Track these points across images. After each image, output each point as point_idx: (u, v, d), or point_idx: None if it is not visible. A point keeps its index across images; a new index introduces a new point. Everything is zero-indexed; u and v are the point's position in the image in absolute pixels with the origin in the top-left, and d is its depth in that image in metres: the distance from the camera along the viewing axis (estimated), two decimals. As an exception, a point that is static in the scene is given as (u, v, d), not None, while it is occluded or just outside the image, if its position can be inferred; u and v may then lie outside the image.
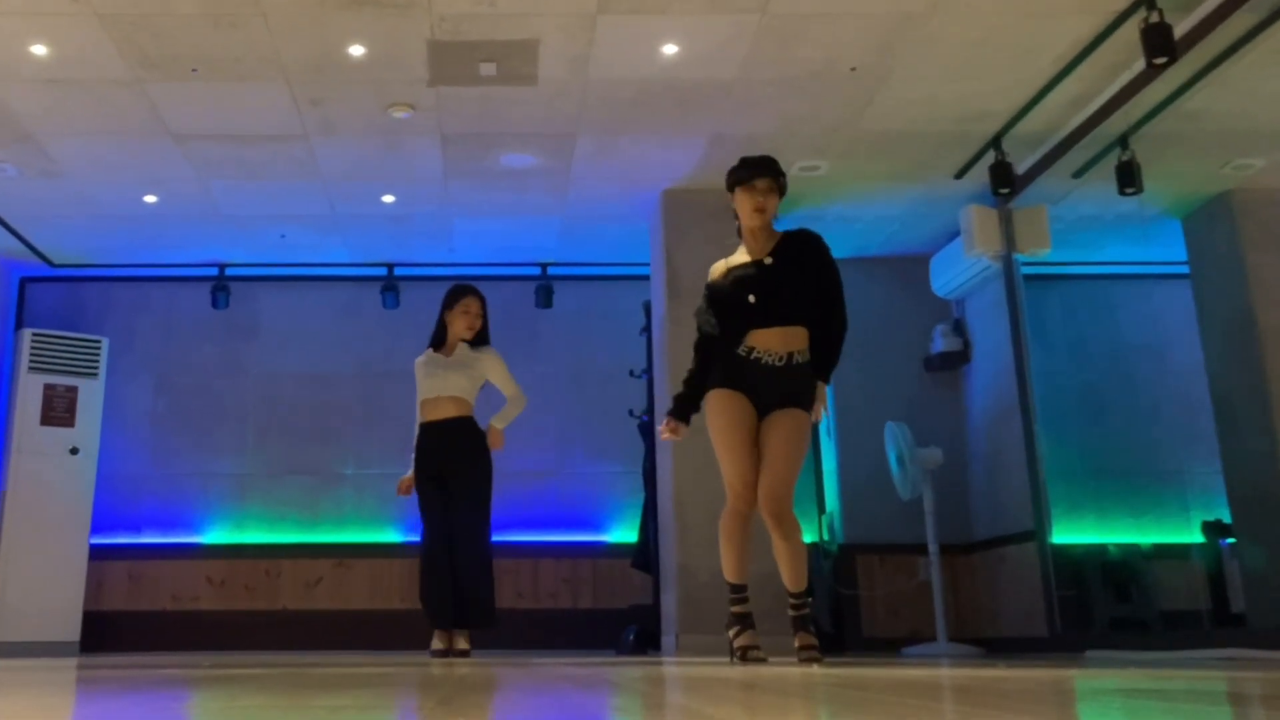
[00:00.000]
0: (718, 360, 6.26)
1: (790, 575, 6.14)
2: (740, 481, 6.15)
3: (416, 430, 8.20)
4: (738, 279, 6.26)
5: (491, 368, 8.18)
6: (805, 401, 6.20)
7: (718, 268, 6.42)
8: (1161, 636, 8.48)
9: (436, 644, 7.92)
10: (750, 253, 6.34)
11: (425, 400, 8.12)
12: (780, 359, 6.12)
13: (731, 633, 6.35)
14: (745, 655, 6.18)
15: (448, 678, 4.30)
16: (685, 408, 6.42)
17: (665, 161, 9.40)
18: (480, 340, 8.27)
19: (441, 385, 8.06)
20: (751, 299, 6.16)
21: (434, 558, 7.96)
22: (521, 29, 7.45)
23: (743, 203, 6.30)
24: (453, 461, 8.02)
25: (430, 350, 8.26)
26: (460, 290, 8.33)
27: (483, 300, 8.29)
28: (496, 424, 8.16)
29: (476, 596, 7.90)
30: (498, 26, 7.41)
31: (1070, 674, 4.46)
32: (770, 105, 8.51)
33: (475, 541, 7.94)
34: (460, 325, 8.18)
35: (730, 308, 6.23)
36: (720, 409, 6.19)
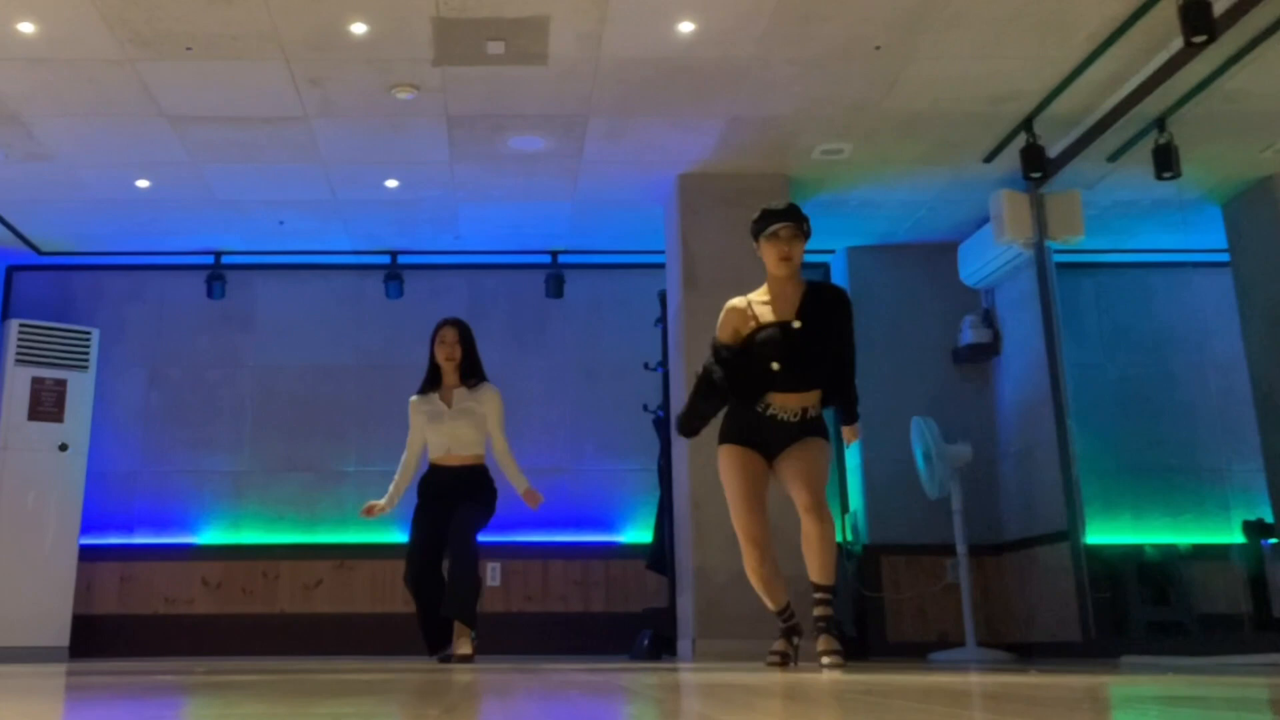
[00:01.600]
0: (730, 413, 6.46)
1: (819, 564, 6.21)
2: (747, 538, 6.38)
3: (402, 477, 8.35)
4: (763, 342, 6.34)
5: (490, 411, 8.21)
6: (820, 432, 6.40)
7: (734, 314, 6.51)
8: (1200, 641, 8.44)
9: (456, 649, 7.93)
10: (775, 309, 6.44)
11: (435, 456, 8.20)
12: (795, 415, 6.34)
13: None
14: (771, 655, 6.46)
15: (453, 684, 4.28)
16: (691, 429, 6.61)
17: (681, 144, 9.24)
18: (473, 371, 8.30)
19: (452, 441, 8.14)
20: (776, 366, 6.29)
21: (422, 585, 8.08)
22: (531, 5, 7.30)
23: (768, 253, 6.44)
24: (460, 496, 8.08)
25: (425, 394, 8.31)
26: (440, 323, 8.41)
27: (461, 328, 8.34)
28: (522, 486, 8.25)
29: (457, 592, 7.89)
30: (506, 3, 7.26)
31: (1105, 680, 4.48)
32: (791, 85, 8.35)
33: (464, 537, 7.94)
34: (440, 356, 8.25)
35: (750, 371, 6.36)
36: (730, 464, 6.41)
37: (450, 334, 8.22)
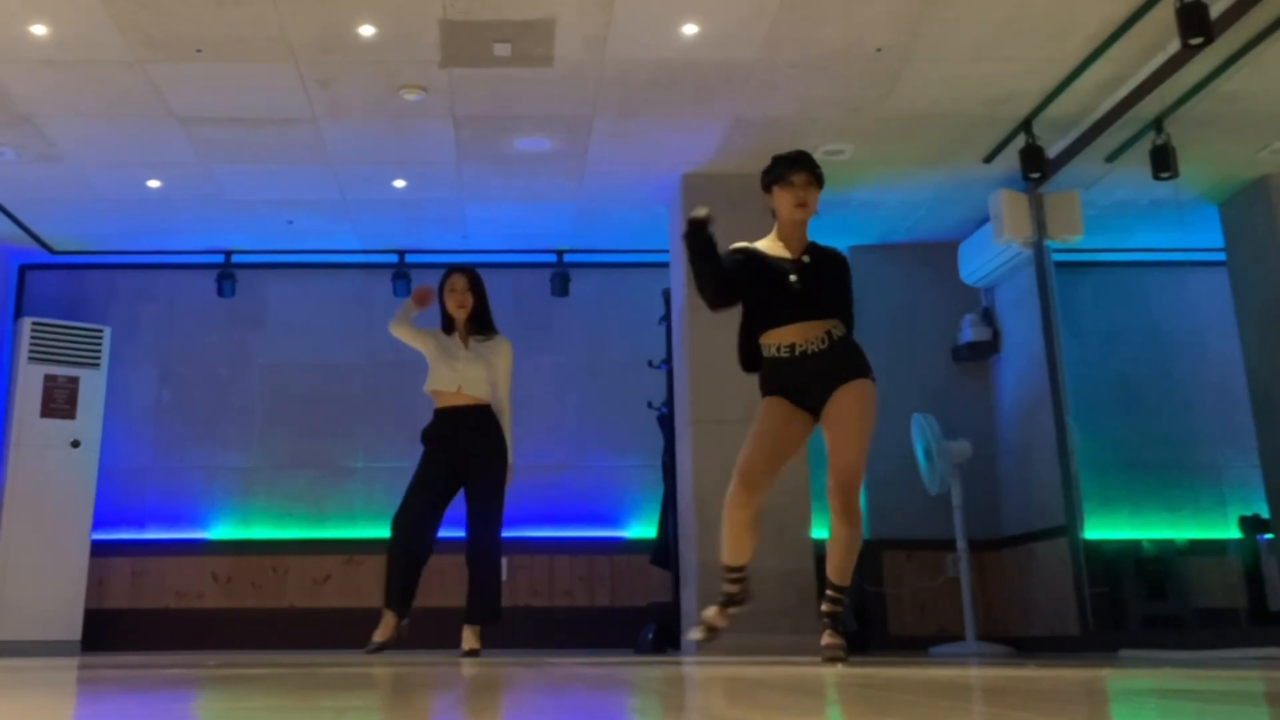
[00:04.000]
0: (765, 368, 6.32)
1: (840, 565, 6.19)
2: (744, 475, 6.19)
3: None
4: (776, 267, 6.30)
5: (501, 362, 8.09)
6: (862, 371, 6.21)
7: (737, 252, 6.43)
8: (1197, 635, 8.39)
9: (381, 635, 7.75)
10: (789, 250, 6.37)
11: (443, 391, 7.97)
12: (821, 342, 6.14)
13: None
14: (698, 626, 6.46)
15: (459, 678, 4.28)
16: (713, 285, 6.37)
17: (684, 145, 9.27)
18: (484, 324, 8.17)
19: (464, 379, 7.94)
20: (794, 278, 6.21)
21: (409, 536, 7.79)
22: (536, 8, 7.33)
23: (783, 200, 6.36)
24: (473, 448, 7.90)
25: (441, 332, 8.15)
26: (447, 270, 8.29)
27: (471, 277, 8.20)
28: (508, 458, 8.05)
29: (489, 591, 7.82)
30: (512, 5, 7.29)
31: (1103, 674, 4.46)
32: (793, 87, 8.38)
33: (491, 536, 7.86)
34: (451, 304, 8.12)
35: (766, 287, 6.26)
36: (767, 412, 6.27)
37: (460, 281, 8.12)
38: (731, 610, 6.36)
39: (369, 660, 6.58)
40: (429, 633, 10.13)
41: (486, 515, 7.84)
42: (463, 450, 7.88)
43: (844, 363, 6.15)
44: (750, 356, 6.37)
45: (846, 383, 6.11)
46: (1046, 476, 9.51)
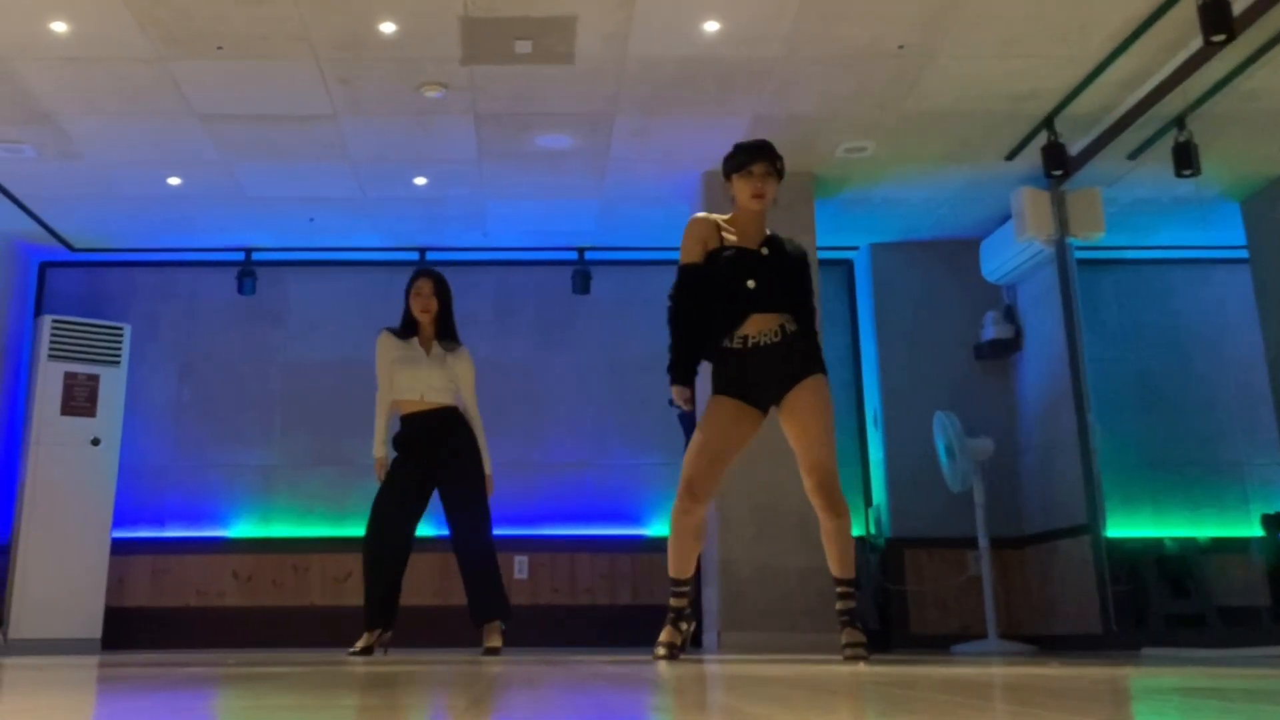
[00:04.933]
0: (716, 362, 6.24)
1: (839, 559, 6.11)
2: (691, 489, 6.14)
3: (382, 422, 7.93)
4: (731, 260, 6.17)
5: (464, 372, 7.96)
6: (815, 366, 6.14)
7: (703, 225, 6.32)
8: (1219, 633, 8.38)
9: (364, 643, 7.59)
10: (743, 240, 6.26)
11: (406, 399, 7.88)
12: (776, 334, 6.06)
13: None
14: (658, 647, 6.24)
15: (481, 676, 4.26)
16: (684, 373, 6.25)
17: (706, 142, 9.23)
18: (447, 332, 8.04)
19: (425, 386, 7.84)
20: (751, 284, 6.11)
21: (385, 546, 7.68)
22: (558, 5, 7.32)
23: (741, 189, 6.26)
24: (447, 454, 7.82)
25: (398, 337, 8.00)
26: (415, 273, 8.17)
27: (437, 281, 8.06)
28: (485, 469, 7.92)
29: (494, 587, 7.75)
30: (533, 2, 7.29)
31: (1125, 672, 4.43)
32: (815, 84, 8.37)
33: (485, 535, 7.79)
34: (416, 308, 7.98)
35: (722, 291, 6.17)
36: (714, 414, 6.19)
37: (426, 285, 7.99)
38: (682, 625, 6.30)
39: (387, 660, 6.56)
40: (444, 632, 10.13)
41: (473, 515, 7.76)
42: (436, 453, 7.79)
43: (796, 358, 6.08)
44: (688, 366, 6.25)
45: (800, 380, 6.06)
46: (1068, 474, 9.48)
